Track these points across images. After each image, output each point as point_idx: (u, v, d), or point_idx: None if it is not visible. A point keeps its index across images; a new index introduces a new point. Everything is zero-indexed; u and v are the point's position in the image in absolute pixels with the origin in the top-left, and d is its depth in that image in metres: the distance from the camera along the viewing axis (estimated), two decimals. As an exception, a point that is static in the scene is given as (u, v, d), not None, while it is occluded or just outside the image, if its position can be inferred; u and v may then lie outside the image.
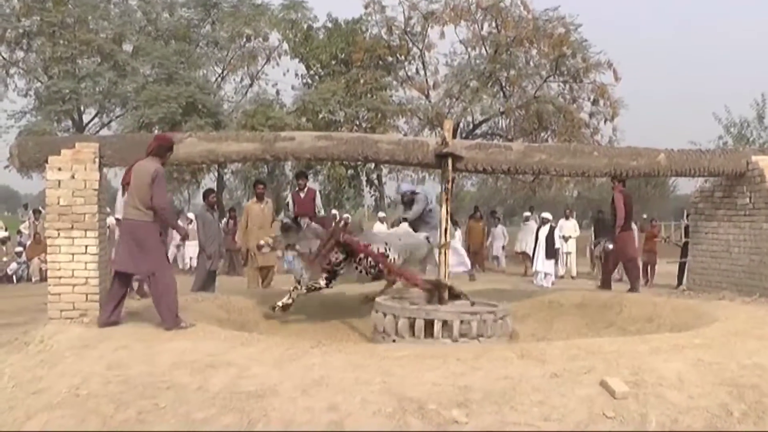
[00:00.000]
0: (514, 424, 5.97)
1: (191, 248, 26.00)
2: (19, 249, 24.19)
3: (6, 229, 25.51)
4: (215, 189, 24.01)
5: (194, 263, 25.44)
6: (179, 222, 15.17)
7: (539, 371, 6.90)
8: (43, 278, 12.02)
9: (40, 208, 23.81)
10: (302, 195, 15.14)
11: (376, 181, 37.36)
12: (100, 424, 6.21)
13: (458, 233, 24.42)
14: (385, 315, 10.59)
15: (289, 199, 15.53)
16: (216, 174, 34.49)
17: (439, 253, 11.38)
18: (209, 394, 6.55)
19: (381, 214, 27.99)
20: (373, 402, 6.29)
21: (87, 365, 7.45)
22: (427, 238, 12.98)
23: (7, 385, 7.30)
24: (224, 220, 28.52)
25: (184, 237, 8.95)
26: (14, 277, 23.15)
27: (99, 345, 8.01)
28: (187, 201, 48.13)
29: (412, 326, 10.19)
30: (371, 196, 37.31)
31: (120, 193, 12.95)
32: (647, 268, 23.42)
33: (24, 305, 14.92)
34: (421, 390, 6.46)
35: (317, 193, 15.85)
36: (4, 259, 23.42)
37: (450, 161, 11.01)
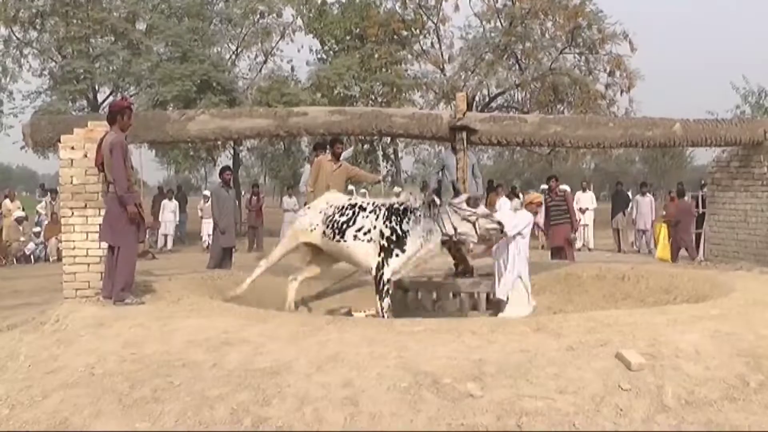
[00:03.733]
0: (529, 398, 5.95)
1: (207, 226, 26.02)
2: (37, 229, 24.26)
3: (23, 209, 25.55)
4: (231, 167, 24.00)
5: (212, 240, 25.56)
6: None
7: (555, 344, 6.87)
8: (61, 258, 12.17)
9: (57, 188, 23.89)
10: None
11: (392, 156, 37.31)
12: (116, 402, 6.22)
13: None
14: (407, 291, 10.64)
15: (308, 170, 15.17)
16: (232, 151, 34.45)
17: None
18: (224, 372, 6.56)
19: (397, 188, 27.93)
20: (388, 377, 6.28)
21: (102, 344, 7.47)
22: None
23: (24, 364, 7.32)
24: (247, 196, 28.50)
25: (133, 219, 8.82)
26: (32, 257, 23.23)
27: (114, 323, 8.03)
28: (203, 178, 48.22)
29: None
30: (387, 171, 37.25)
31: None
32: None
33: (41, 285, 14.95)
34: (436, 364, 6.44)
35: None
36: (22, 238, 23.48)
37: (464, 134, 10.96)
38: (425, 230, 9.80)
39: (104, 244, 9.49)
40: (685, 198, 22.45)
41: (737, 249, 13.30)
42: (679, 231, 20.24)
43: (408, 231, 9.78)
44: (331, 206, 10.31)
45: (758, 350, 6.77)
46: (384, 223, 9.87)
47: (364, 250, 9.96)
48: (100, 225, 9.49)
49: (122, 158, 9.13)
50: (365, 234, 9.92)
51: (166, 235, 27.23)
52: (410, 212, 9.89)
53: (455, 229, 9.68)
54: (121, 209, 9.09)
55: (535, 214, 12.10)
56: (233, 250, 15.89)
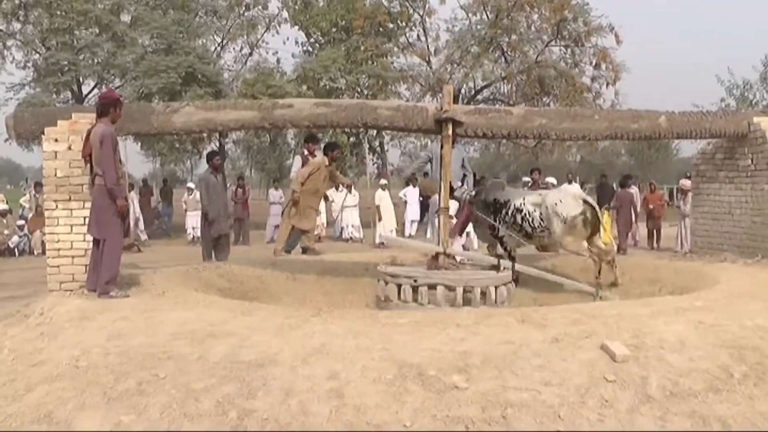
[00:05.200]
0: (515, 389, 5.96)
1: (192, 218, 25.95)
2: (21, 222, 24.17)
3: (7, 202, 25.46)
4: (218, 151, 24.02)
5: (197, 233, 25.43)
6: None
7: (540, 336, 6.89)
8: (45, 251, 12.09)
9: (42, 181, 23.77)
10: (312, 158, 14.80)
11: (378, 149, 37.33)
12: (100, 395, 6.20)
13: None
14: (387, 283, 10.57)
15: (299, 161, 15.09)
16: (218, 144, 34.41)
17: (438, 218, 11.34)
18: (209, 364, 6.55)
19: (383, 181, 27.94)
20: (374, 369, 6.28)
21: (87, 337, 7.45)
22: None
23: (8, 357, 7.31)
24: (233, 188, 28.44)
25: (123, 211, 8.87)
26: (16, 250, 23.15)
27: (98, 316, 8.01)
28: (189, 171, 48.20)
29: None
30: (373, 164, 37.28)
31: None
32: (653, 232, 23.36)
33: (26, 278, 14.94)
34: (422, 356, 6.45)
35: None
36: (6, 232, 23.39)
37: (450, 126, 10.95)
38: None
39: (89, 237, 9.45)
40: (630, 189, 23.32)
41: (722, 241, 13.33)
42: (619, 218, 21.93)
43: None
44: None
45: (742, 341, 6.80)
46: None
47: None
48: (85, 217, 9.46)
49: (112, 151, 9.09)
50: None
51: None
52: None
53: None
54: (108, 202, 9.04)
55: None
56: (228, 237, 15.79)
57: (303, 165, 14.63)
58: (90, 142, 9.13)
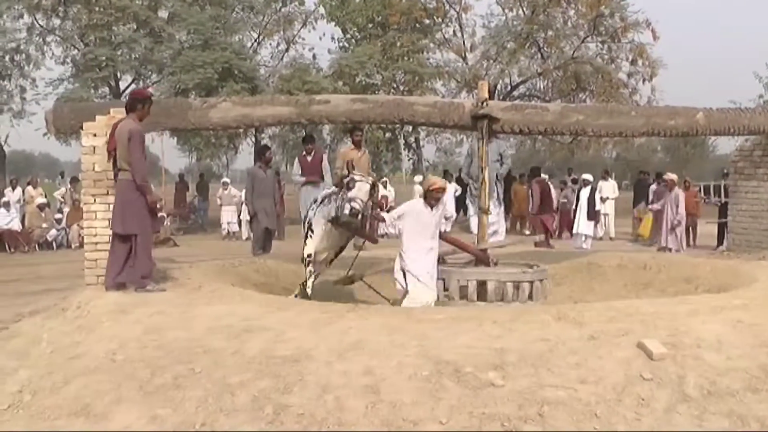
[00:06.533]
0: (551, 387, 5.93)
1: (227, 213, 26.04)
2: (58, 215, 24.41)
3: (45, 196, 25.76)
4: (269, 145, 24.15)
5: (232, 228, 25.59)
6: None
7: (576, 333, 6.83)
8: (83, 244, 12.18)
9: (79, 176, 23.98)
10: (309, 158, 14.72)
11: (414, 145, 37.29)
12: (137, 388, 6.25)
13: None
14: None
15: (297, 163, 15.04)
16: (253, 139, 34.51)
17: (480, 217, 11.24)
18: (245, 359, 6.57)
19: (418, 177, 27.92)
20: (409, 365, 6.27)
21: (123, 330, 7.51)
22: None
23: (46, 350, 7.39)
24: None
25: (153, 204, 8.92)
26: (54, 244, 23.39)
27: (135, 310, 8.05)
28: (225, 166, 48.33)
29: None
30: (409, 160, 37.28)
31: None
32: (688, 229, 23.14)
33: (63, 271, 15.06)
34: (457, 353, 6.42)
35: (324, 156, 15.46)
36: (44, 225, 23.63)
37: (486, 123, 10.90)
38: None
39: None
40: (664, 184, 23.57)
41: (760, 239, 13.21)
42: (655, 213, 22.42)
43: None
44: None
45: (781, 340, 6.73)
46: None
47: None
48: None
49: (141, 147, 9.12)
50: None
51: None
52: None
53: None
54: (134, 196, 9.03)
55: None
56: (273, 232, 15.85)
57: (301, 165, 14.58)
58: (115, 137, 9.15)
